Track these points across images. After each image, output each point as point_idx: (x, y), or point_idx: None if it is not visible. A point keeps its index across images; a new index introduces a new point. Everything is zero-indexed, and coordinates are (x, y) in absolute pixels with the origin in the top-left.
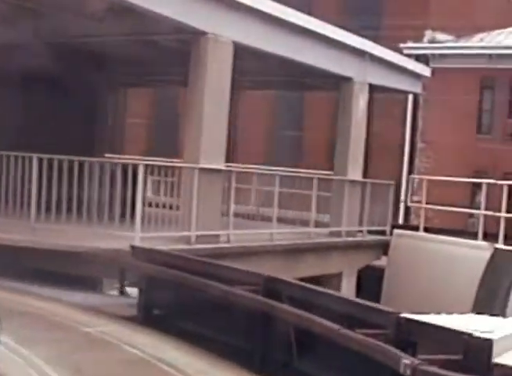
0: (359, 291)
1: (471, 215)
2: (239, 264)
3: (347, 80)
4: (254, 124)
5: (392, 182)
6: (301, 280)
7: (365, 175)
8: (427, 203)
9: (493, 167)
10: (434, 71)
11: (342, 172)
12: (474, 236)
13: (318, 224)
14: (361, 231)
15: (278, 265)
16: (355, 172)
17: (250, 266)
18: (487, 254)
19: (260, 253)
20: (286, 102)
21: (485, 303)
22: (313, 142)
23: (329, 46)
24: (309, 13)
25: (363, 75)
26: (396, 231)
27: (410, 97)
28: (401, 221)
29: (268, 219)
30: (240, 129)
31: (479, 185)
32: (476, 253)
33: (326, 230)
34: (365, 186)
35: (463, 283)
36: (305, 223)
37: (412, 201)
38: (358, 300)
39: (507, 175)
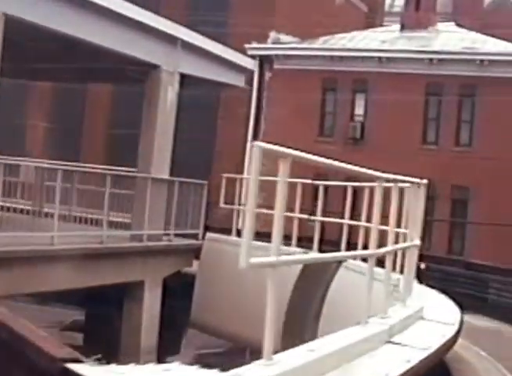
0: (166, 301)
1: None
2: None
3: (154, 68)
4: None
5: (205, 182)
6: (99, 289)
7: (208, 177)
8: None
9: (335, 171)
10: (277, 72)
11: (146, 169)
12: (309, 241)
13: (120, 226)
14: (168, 234)
15: (64, 274)
16: (160, 170)
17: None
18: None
19: (35, 259)
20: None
21: (298, 314)
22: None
23: (134, 29)
24: (157, 8)
25: (174, 64)
26: (208, 235)
27: (254, 98)
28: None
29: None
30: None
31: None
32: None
33: (125, 233)
34: (174, 185)
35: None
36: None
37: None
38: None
39: (349, 180)
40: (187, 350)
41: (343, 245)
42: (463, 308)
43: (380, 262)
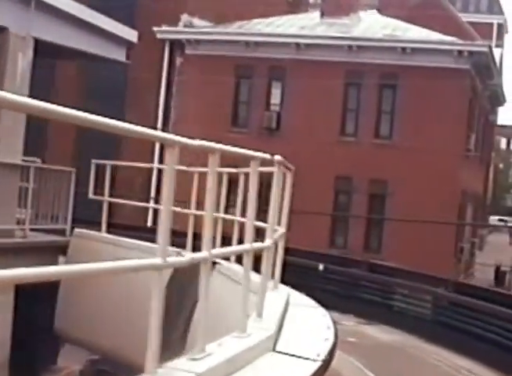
0: (24, 308)
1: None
2: None
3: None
4: None
5: (73, 170)
6: None
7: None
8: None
9: (248, 164)
10: (188, 58)
11: None
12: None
13: None
14: (23, 230)
15: None
16: (9, 154)
17: None
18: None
19: None
20: None
21: (167, 323)
22: None
23: None
24: None
25: (26, 27)
26: (76, 230)
27: (163, 85)
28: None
29: None
30: None
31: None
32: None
33: None
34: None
35: (144, 301)
36: None
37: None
38: None
39: (262, 173)
40: (65, 364)
41: (218, 242)
42: (369, 316)
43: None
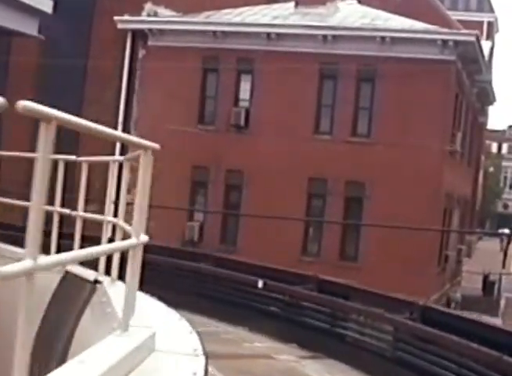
0: None
1: (191, 219)
2: None
3: None
4: None
5: None
6: None
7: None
8: None
9: (216, 163)
10: (151, 50)
11: None
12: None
13: None
14: None
15: None
16: None
17: None
18: (56, 278)
19: None
20: None
21: (49, 337)
22: None
23: None
24: None
25: None
26: None
27: (124, 79)
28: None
29: None
30: None
31: (198, 184)
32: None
33: None
34: None
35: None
36: None
37: None
38: None
39: (231, 172)
40: None
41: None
42: (314, 348)
43: None
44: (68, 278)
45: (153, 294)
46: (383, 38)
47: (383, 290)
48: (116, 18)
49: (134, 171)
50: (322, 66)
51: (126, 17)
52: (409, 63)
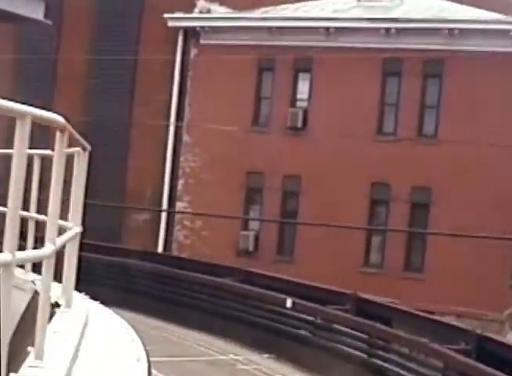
0: None
1: (246, 228)
2: None
3: None
4: None
5: None
6: None
7: (119, 176)
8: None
9: (272, 168)
10: (204, 48)
11: None
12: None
13: None
14: None
15: None
16: None
17: None
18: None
19: None
20: None
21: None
22: None
23: None
24: None
25: None
26: None
27: (176, 79)
28: (162, 239)
29: None
30: None
31: (253, 191)
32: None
33: None
34: None
35: None
36: None
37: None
38: None
39: (287, 178)
40: None
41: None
42: None
43: None
44: (35, 298)
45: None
46: (451, 31)
47: (447, 303)
48: (166, 16)
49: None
50: (385, 62)
51: (177, 15)
52: (480, 56)
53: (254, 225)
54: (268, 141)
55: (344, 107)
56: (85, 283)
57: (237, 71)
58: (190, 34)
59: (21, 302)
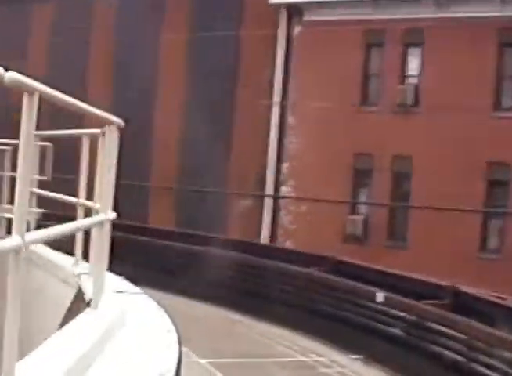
0: None
1: (353, 212)
2: None
3: None
4: None
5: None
6: None
7: (219, 158)
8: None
9: (381, 148)
10: (308, 25)
11: None
12: None
13: None
14: None
15: None
16: None
17: None
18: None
19: None
20: None
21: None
22: None
23: None
24: None
25: None
26: None
27: (279, 58)
28: (268, 224)
29: None
30: None
31: (360, 173)
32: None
33: None
34: None
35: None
36: None
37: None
38: None
39: (398, 158)
40: None
41: None
42: None
43: None
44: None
45: None
46: None
47: None
48: None
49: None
50: (501, 33)
51: None
52: None
53: (362, 208)
54: (377, 120)
55: (458, 82)
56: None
57: (343, 48)
58: (293, 10)
59: (65, 299)
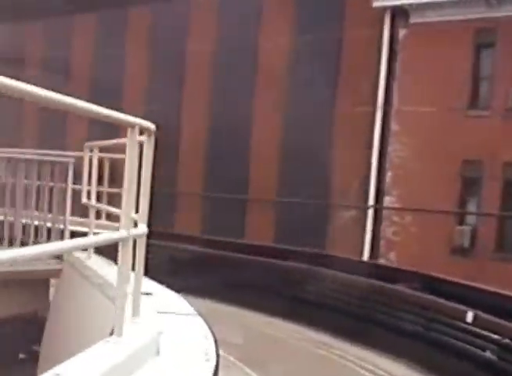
0: None
1: (462, 222)
2: None
3: None
4: None
5: (69, 160)
6: None
7: (324, 167)
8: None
9: (491, 155)
10: (413, 28)
11: None
12: None
13: None
14: None
15: None
16: None
17: None
18: None
19: None
20: None
21: None
22: None
23: None
24: None
25: None
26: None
27: (383, 63)
28: (368, 237)
29: None
30: None
31: (469, 181)
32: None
33: None
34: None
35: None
36: None
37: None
38: None
39: (508, 165)
40: None
41: None
42: None
43: None
44: None
45: None
46: None
47: None
48: None
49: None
50: None
51: None
52: None
53: (471, 219)
54: (487, 125)
55: None
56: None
57: (451, 49)
58: (398, 12)
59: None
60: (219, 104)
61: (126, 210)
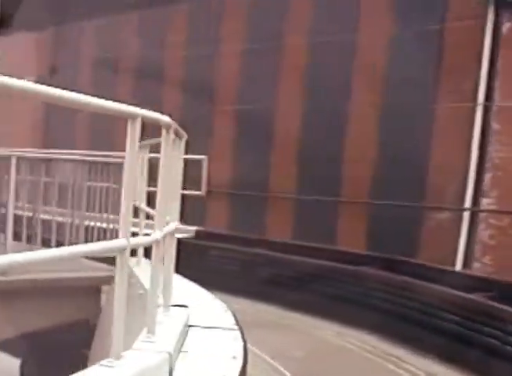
0: None
1: None
2: None
3: None
4: None
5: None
6: None
7: (417, 166)
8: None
9: None
10: None
11: None
12: None
13: None
14: None
15: None
16: None
17: None
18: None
19: None
20: None
21: None
22: None
23: None
24: None
25: None
26: None
27: (485, 60)
28: (463, 240)
29: None
30: None
31: None
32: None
33: None
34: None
35: None
36: None
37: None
38: None
39: None
40: None
41: None
42: None
43: None
44: None
45: None
46: None
47: None
48: None
49: None
50: None
51: None
52: None
53: None
54: None
55: None
56: None
57: None
58: (502, 4)
59: None
60: (313, 103)
61: (160, 211)
